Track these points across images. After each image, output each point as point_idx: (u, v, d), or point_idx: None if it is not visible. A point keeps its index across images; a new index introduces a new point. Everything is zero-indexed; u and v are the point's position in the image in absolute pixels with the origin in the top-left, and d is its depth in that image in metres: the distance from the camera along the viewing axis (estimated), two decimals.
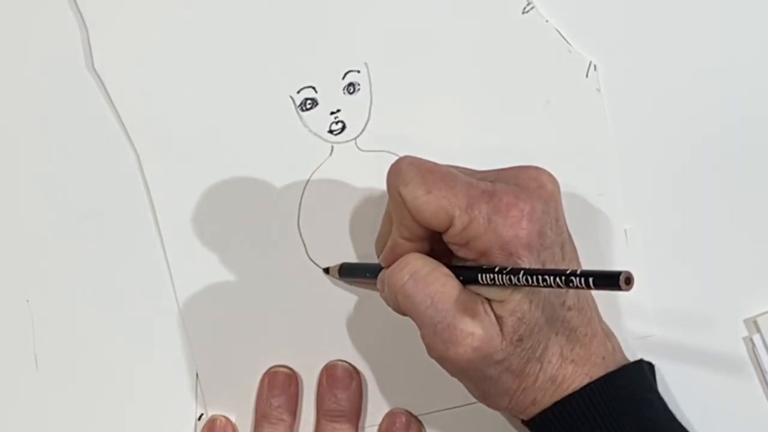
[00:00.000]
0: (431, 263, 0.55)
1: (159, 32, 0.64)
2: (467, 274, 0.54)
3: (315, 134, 0.64)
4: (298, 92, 0.64)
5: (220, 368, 0.64)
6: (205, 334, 0.63)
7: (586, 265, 0.57)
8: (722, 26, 0.64)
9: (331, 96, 0.64)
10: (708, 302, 0.63)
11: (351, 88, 0.64)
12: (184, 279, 0.63)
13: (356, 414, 0.63)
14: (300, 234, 0.63)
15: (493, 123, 0.63)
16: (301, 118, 0.64)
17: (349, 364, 0.63)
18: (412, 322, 0.63)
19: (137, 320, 0.64)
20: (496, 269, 0.52)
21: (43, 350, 0.64)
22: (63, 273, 0.64)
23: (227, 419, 0.63)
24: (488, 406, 0.57)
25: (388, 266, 0.57)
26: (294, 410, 0.63)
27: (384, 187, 0.63)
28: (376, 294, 0.63)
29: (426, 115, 0.63)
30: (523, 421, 0.57)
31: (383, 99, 0.64)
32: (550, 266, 0.54)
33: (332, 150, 0.64)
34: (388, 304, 0.57)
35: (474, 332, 0.53)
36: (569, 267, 0.55)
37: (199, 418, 0.64)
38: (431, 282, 0.54)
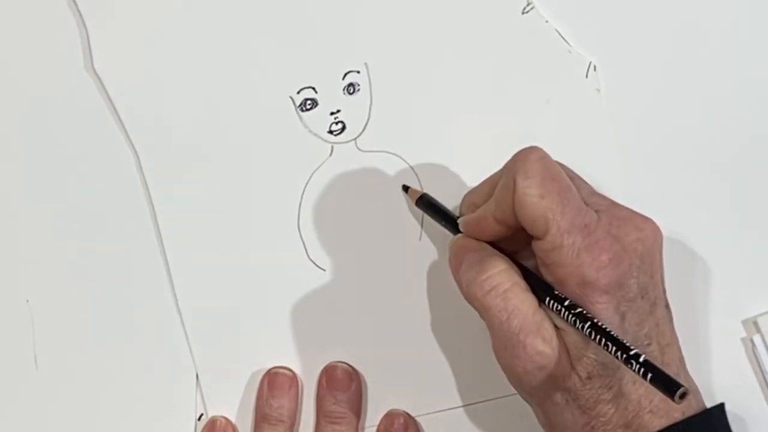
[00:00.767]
0: (512, 277, 0.55)
1: (158, 33, 0.64)
2: (539, 291, 0.55)
3: (315, 135, 0.64)
4: (298, 93, 0.63)
5: (220, 368, 0.64)
6: (205, 334, 0.63)
7: None
8: (722, 26, 0.64)
9: (331, 96, 0.63)
10: (708, 302, 0.63)
11: (351, 88, 0.64)
12: (184, 279, 0.63)
13: (356, 415, 0.63)
14: (300, 234, 0.63)
15: (492, 123, 0.63)
16: (300, 118, 0.64)
17: (349, 365, 0.63)
18: (413, 322, 0.63)
19: (137, 320, 0.64)
20: (567, 303, 0.53)
21: (43, 350, 0.64)
22: (63, 273, 0.64)
23: (227, 420, 0.63)
24: None
25: (467, 233, 0.57)
26: (294, 411, 0.63)
27: (384, 186, 0.63)
28: (376, 294, 0.63)
29: (426, 115, 0.63)
30: None
31: (383, 99, 0.64)
32: (631, 318, 0.53)
33: (332, 150, 0.64)
34: (459, 288, 0.57)
35: (543, 352, 0.53)
36: (657, 324, 0.55)
37: (199, 418, 0.64)
38: (511, 298, 0.54)
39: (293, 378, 0.63)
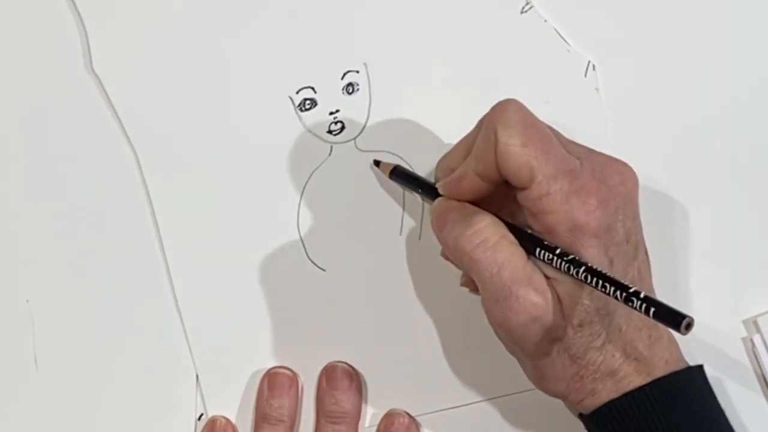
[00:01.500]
0: (500, 230, 0.55)
1: (158, 33, 0.64)
2: (528, 243, 0.54)
3: (314, 134, 0.64)
4: (297, 92, 0.64)
5: (220, 368, 0.64)
6: (205, 334, 0.63)
7: None
8: (721, 25, 0.64)
9: (330, 96, 0.63)
10: (708, 302, 0.62)
11: (350, 88, 0.64)
12: (183, 279, 0.64)
13: (356, 415, 0.63)
14: (299, 234, 0.63)
15: None
16: (300, 118, 0.64)
17: (349, 365, 0.63)
18: (413, 322, 0.63)
19: (137, 320, 0.64)
20: (558, 251, 0.52)
21: (43, 350, 0.64)
22: (63, 273, 0.64)
23: (227, 420, 0.63)
24: (543, 390, 0.56)
25: (448, 195, 0.57)
26: (294, 411, 0.63)
27: (383, 186, 0.63)
28: (376, 294, 0.63)
29: (425, 115, 0.63)
30: (580, 415, 0.56)
31: (382, 99, 0.64)
32: (619, 264, 0.54)
33: (331, 150, 0.64)
34: (444, 247, 0.57)
35: (536, 302, 0.53)
36: (639, 270, 0.55)
37: (199, 418, 0.64)
38: (500, 250, 0.54)
39: (293, 378, 0.63)
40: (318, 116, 0.63)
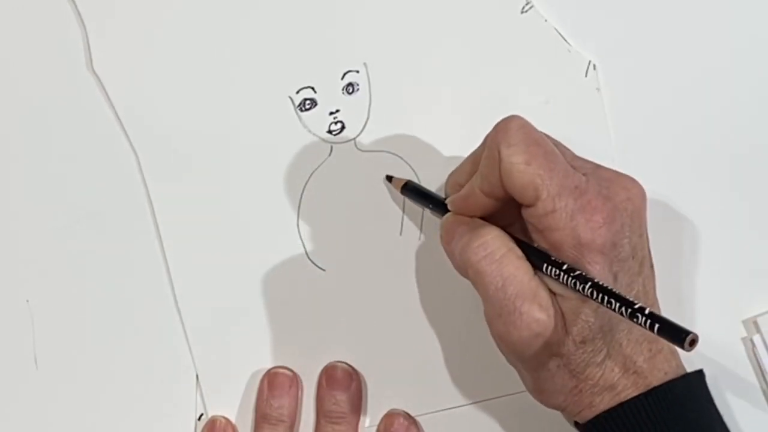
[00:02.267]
0: (507, 244, 0.55)
1: (158, 33, 0.64)
2: (535, 258, 0.54)
3: (314, 134, 0.64)
4: (297, 92, 0.64)
5: (220, 368, 0.64)
6: (205, 334, 0.63)
7: None
8: (721, 25, 0.64)
9: (330, 96, 0.63)
10: (708, 302, 0.62)
11: (350, 88, 0.64)
12: (183, 279, 0.64)
13: (356, 415, 0.63)
14: (299, 234, 0.63)
15: (492, 122, 0.63)
16: (300, 118, 0.64)
17: (349, 365, 0.63)
18: (413, 322, 0.63)
19: (137, 320, 0.64)
20: (564, 267, 0.52)
21: (43, 350, 0.64)
22: (63, 273, 0.64)
23: (227, 420, 0.63)
24: (541, 402, 0.56)
25: (456, 211, 0.57)
26: (294, 411, 0.63)
27: (383, 186, 0.63)
28: (376, 294, 0.63)
29: (425, 115, 0.63)
30: (576, 424, 0.56)
31: (382, 99, 0.63)
32: (623, 279, 0.54)
33: (331, 150, 0.64)
34: (451, 260, 0.57)
35: (539, 319, 0.53)
36: (644, 285, 0.55)
37: (199, 418, 0.64)
38: (506, 264, 0.54)
39: (293, 378, 0.63)
40: (318, 116, 0.63)
